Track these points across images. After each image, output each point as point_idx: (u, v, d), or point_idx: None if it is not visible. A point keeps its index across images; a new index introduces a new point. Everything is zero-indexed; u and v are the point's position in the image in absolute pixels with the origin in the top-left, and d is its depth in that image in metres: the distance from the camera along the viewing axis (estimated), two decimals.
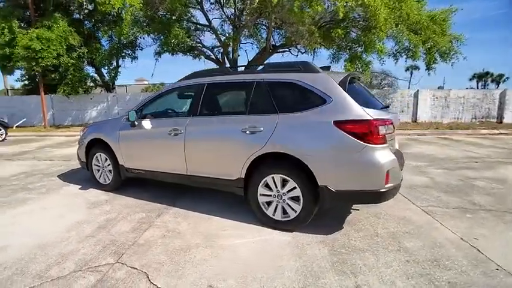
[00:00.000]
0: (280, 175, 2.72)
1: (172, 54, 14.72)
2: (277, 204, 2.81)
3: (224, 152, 3.01)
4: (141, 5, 11.41)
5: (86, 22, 16.47)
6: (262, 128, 2.78)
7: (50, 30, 12.63)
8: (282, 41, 14.79)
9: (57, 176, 4.99)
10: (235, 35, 14.21)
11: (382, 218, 3.11)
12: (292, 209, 2.74)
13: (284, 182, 2.73)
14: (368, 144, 2.42)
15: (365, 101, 2.75)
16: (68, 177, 4.93)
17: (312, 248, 2.48)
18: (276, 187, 2.77)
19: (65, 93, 14.73)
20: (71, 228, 2.93)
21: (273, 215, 2.84)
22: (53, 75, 14.09)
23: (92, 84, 16.86)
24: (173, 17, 13.32)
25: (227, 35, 14.73)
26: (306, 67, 2.82)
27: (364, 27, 11.55)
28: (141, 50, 15.56)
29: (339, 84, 2.61)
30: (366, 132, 2.42)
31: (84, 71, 15.25)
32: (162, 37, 13.70)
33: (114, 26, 14.27)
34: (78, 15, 16.01)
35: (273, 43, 15.16)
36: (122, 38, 12.82)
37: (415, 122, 13.95)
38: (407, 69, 35.45)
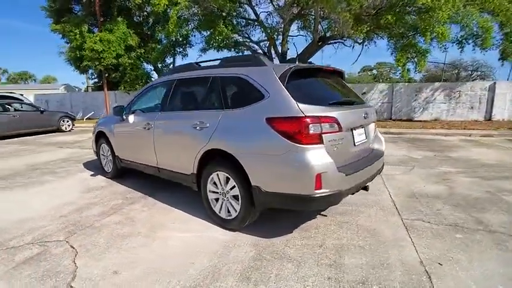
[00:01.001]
0: (223, 173, 2.72)
1: (218, 51, 15.42)
2: (222, 202, 2.81)
3: (180, 147, 3.14)
4: (188, 3, 12.19)
5: (145, 24, 18.40)
6: (208, 124, 2.81)
7: (111, 33, 14.55)
8: (330, 32, 14.10)
9: (83, 163, 5.82)
10: (285, 27, 14.09)
11: (346, 227, 2.83)
12: (234, 208, 2.71)
13: (227, 180, 2.72)
14: (297, 144, 2.24)
15: (315, 96, 2.54)
16: (89, 164, 5.72)
17: (239, 250, 2.43)
18: (221, 185, 2.78)
19: (125, 90, 16.79)
20: (56, 208, 3.45)
21: (219, 212, 2.85)
22: (113, 74, 16.21)
23: (149, 81, 18.78)
24: (220, 14, 13.90)
25: (275, 28, 14.70)
26: (255, 60, 2.73)
27: (420, 10, 10.19)
28: (191, 47, 16.73)
29: (279, 78, 2.46)
30: (294, 130, 2.24)
31: (142, 69, 17.09)
32: (207, 34, 14.43)
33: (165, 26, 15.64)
34: (138, 18, 18.01)
35: (323, 34, 14.57)
36: (170, 36, 13.96)
37: (489, 120, 11.82)
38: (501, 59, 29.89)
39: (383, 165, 3.19)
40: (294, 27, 15.29)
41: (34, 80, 53.44)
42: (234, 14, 14.46)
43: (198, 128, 2.89)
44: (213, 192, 2.87)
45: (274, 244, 2.53)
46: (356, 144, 2.69)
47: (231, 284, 1.99)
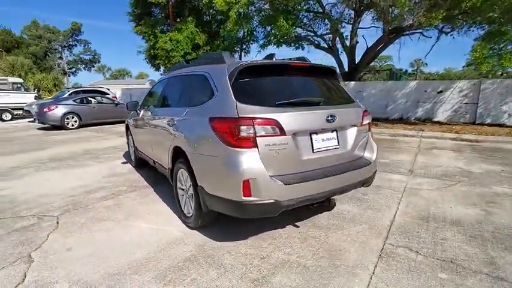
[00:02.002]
0: (184, 170, 2.79)
1: (277, 46, 15.45)
2: (185, 199, 2.90)
3: (161, 143, 3.34)
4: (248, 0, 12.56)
5: (214, 22, 19.70)
6: (176, 121, 2.92)
7: (179, 33, 16.09)
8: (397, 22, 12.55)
9: (124, 152, 6.69)
10: (354, 18, 13.28)
11: (308, 243, 2.58)
12: (191, 207, 2.77)
13: (188, 178, 2.78)
14: (229, 147, 2.15)
15: (265, 96, 2.39)
16: (128, 153, 6.54)
17: (180, 248, 2.49)
18: (184, 182, 2.87)
19: None
20: (72, 188, 4.10)
21: (183, 208, 2.95)
22: None
23: None
24: (284, 8, 13.87)
25: (339, 19, 13.95)
26: (219, 58, 2.70)
27: None
28: (252, 44, 17.20)
29: (228, 76, 2.38)
30: (226, 132, 2.16)
31: None
32: (267, 30, 14.61)
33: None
34: (207, 17, 19.40)
35: (396, 25, 13.10)
36: (229, 34, 14.62)
37: None
38: None
39: (370, 177, 2.77)
40: (364, 18, 14.18)
41: (130, 76, 63.22)
42: (299, 7, 14.21)
43: (170, 124, 3.03)
44: (180, 188, 2.98)
45: (218, 248, 2.49)
46: (316, 150, 2.42)
47: (145, 279, 2.08)
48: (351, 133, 2.68)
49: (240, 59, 19.24)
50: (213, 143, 2.28)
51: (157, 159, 3.68)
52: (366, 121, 2.82)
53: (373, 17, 14.32)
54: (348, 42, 13.83)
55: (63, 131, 10.62)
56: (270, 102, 2.31)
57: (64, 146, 7.47)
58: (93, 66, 50.30)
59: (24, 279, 2.11)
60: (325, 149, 2.48)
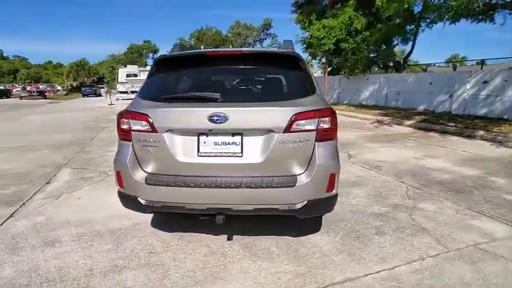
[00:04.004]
0: None
1: (453, 22, 11.93)
2: None
3: None
4: None
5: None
6: None
7: (334, 19, 15.53)
8: None
9: None
10: None
11: (213, 257, 2.30)
12: None
13: None
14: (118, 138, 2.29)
15: (164, 90, 2.32)
16: None
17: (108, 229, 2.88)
18: None
19: (345, 75, 17.57)
20: None
21: None
22: (335, 59, 17.34)
23: (375, 65, 18.11)
24: None
25: None
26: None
27: None
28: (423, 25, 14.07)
29: (150, 70, 2.44)
30: (117, 124, 2.26)
31: (364, 53, 16.85)
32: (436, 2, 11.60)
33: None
34: None
35: None
36: (387, 12, 12.64)
37: None
38: None
39: (302, 204, 2.04)
40: None
41: None
42: None
43: None
44: None
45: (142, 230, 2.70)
46: (202, 154, 2.08)
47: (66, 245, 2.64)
48: (267, 141, 2.04)
49: (414, 45, 16.15)
50: None
51: None
52: (307, 127, 2.02)
53: None
54: None
55: None
56: (160, 97, 2.19)
57: None
58: None
59: None
60: (219, 154, 2.06)
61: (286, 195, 2.01)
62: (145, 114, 2.11)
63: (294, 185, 2.00)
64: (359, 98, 18.11)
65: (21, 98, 30.66)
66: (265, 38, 52.11)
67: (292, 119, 1.99)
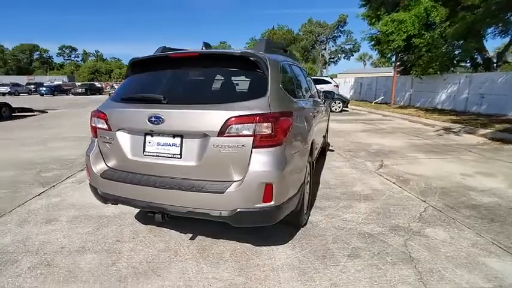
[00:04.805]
0: None
1: None
2: None
3: None
4: None
5: None
6: None
7: (406, 12, 14.00)
8: None
9: None
10: None
11: (165, 253, 2.40)
12: None
13: None
14: None
15: (128, 91, 2.47)
16: None
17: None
18: None
19: (416, 74, 15.72)
20: None
21: None
22: (406, 57, 15.60)
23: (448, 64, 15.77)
24: None
25: None
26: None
27: None
28: None
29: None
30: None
31: (440, 49, 14.80)
32: None
33: None
34: None
35: None
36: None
37: None
38: None
39: (228, 212, 1.98)
40: None
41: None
42: None
43: None
44: None
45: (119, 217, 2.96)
46: (147, 153, 2.19)
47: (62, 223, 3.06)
48: (203, 144, 2.01)
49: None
50: None
51: None
52: (244, 132, 1.92)
53: None
54: None
55: None
56: (120, 98, 2.38)
57: None
58: (352, 55, 54.52)
59: None
60: (161, 155, 2.13)
61: (216, 202, 1.96)
62: (104, 113, 2.32)
63: (224, 192, 1.93)
64: (434, 101, 16.06)
65: (110, 94, 36.13)
66: (339, 35, 50.09)
67: (227, 123, 1.93)
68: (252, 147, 1.94)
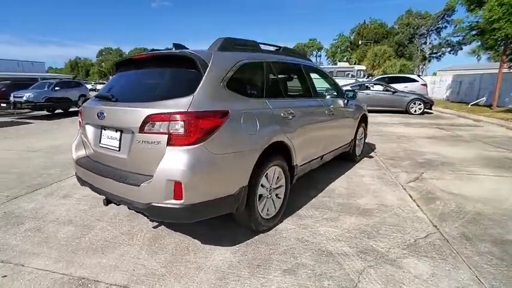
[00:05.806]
0: None
1: None
2: None
3: None
4: None
5: None
6: None
7: None
8: None
9: None
10: None
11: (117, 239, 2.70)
12: None
13: None
14: None
15: (106, 89, 2.75)
16: None
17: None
18: None
19: None
20: None
21: None
22: None
23: None
24: None
25: None
26: None
27: None
28: None
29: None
30: None
31: None
32: None
33: None
34: None
35: None
36: None
37: None
38: None
39: (143, 205, 2.10)
40: None
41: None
42: None
43: None
44: None
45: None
46: (101, 145, 2.49)
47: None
48: (131, 139, 2.18)
49: None
50: None
51: None
52: (160, 129, 2.02)
53: None
54: None
55: None
56: (95, 96, 2.75)
57: None
58: (461, 49, 46.03)
59: None
60: (108, 147, 2.40)
61: (136, 194, 2.10)
62: (81, 109, 2.75)
63: (139, 185, 2.06)
64: None
65: None
66: (445, 26, 43.29)
67: (145, 120, 2.06)
68: (167, 145, 2.01)
